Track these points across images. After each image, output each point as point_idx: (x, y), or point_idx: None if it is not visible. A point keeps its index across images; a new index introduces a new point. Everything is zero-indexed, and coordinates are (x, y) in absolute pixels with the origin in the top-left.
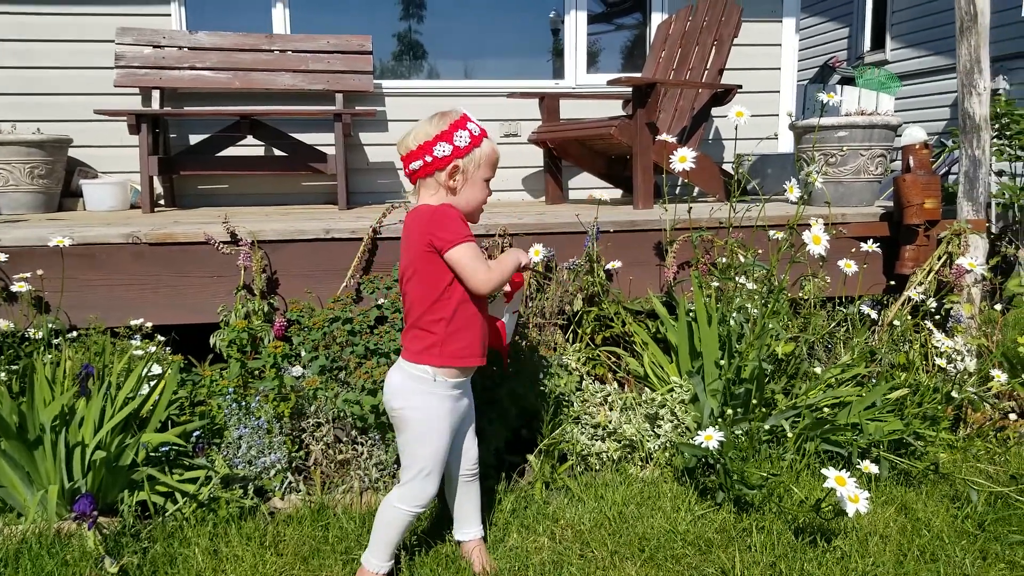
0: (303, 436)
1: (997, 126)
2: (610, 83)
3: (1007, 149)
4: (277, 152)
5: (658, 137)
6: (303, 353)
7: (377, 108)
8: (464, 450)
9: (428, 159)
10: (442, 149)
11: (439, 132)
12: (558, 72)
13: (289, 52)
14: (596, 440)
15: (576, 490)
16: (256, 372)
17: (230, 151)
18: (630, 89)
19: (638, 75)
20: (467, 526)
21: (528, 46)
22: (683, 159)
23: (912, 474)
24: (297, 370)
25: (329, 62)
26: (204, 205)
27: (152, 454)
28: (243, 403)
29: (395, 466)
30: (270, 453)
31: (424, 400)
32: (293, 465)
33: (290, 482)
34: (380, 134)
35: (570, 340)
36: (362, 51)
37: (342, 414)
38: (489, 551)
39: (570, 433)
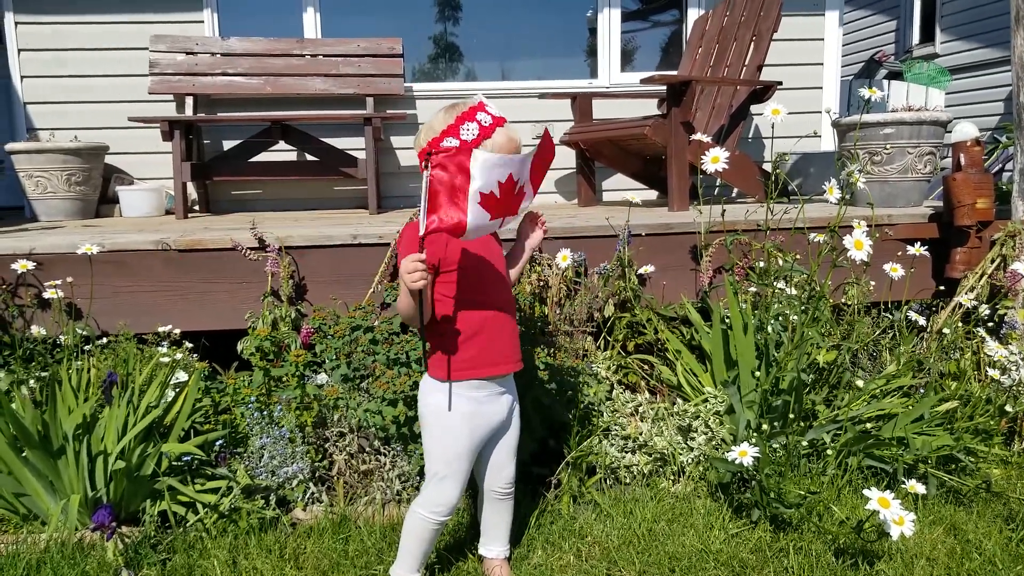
0: (326, 445)
1: None
2: (643, 81)
3: None
4: (309, 157)
5: (693, 136)
6: (326, 362)
7: (408, 111)
8: (498, 466)
9: None
10: (448, 144)
11: (446, 126)
12: (592, 72)
13: (320, 56)
14: (626, 453)
15: (604, 505)
16: (281, 380)
17: (262, 156)
18: (665, 88)
19: (673, 72)
20: (492, 543)
21: (562, 46)
22: (716, 159)
23: (962, 492)
24: (321, 378)
25: (360, 65)
26: (238, 211)
27: (175, 463)
28: (266, 412)
29: (418, 478)
30: (292, 463)
31: (436, 398)
32: (316, 475)
33: (312, 492)
34: (411, 138)
35: (601, 347)
36: (392, 54)
37: (365, 423)
38: (513, 569)
39: (599, 445)
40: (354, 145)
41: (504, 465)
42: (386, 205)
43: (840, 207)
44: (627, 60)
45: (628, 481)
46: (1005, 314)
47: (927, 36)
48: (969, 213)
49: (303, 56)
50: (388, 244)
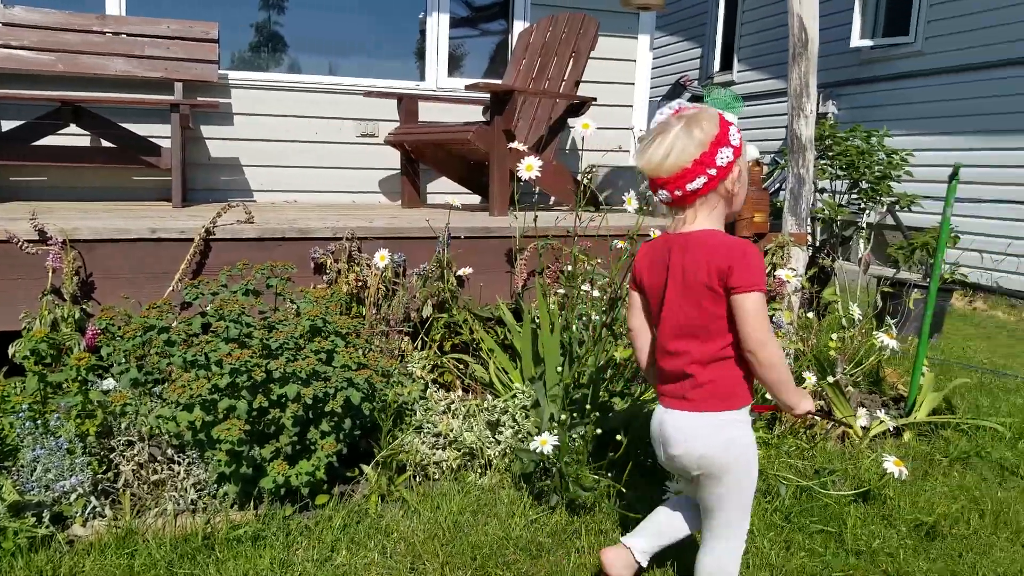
0: (112, 455)
1: (822, 147)
2: (468, 88)
3: (829, 169)
4: (105, 143)
5: (511, 144)
6: (114, 365)
7: (222, 100)
8: None
9: (712, 172)
10: (725, 156)
11: (714, 138)
12: (420, 75)
13: (123, 35)
14: (437, 449)
15: (413, 502)
16: (60, 386)
17: (49, 140)
18: (489, 95)
19: (497, 81)
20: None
21: (394, 47)
22: (529, 167)
23: None
24: (108, 383)
25: (169, 48)
26: (18, 198)
27: None
28: (40, 421)
29: (215, 486)
30: (71, 476)
31: (750, 433)
32: (99, 488)
33: (94, 507)
34: (225, 127)
35: (418, 347)
36: (206, 39)
37: (157, 431)
38: (316, 570)
39: (410, 443)
40: (160, 133)
41: None
42: (193, 198)
43: (639, 216)
44: (455, 65)
45: (438, 477)
46: (773, 315)
47: (726, 64)
48: (747, 225)
49: (104, 33)
50: (191, 239)
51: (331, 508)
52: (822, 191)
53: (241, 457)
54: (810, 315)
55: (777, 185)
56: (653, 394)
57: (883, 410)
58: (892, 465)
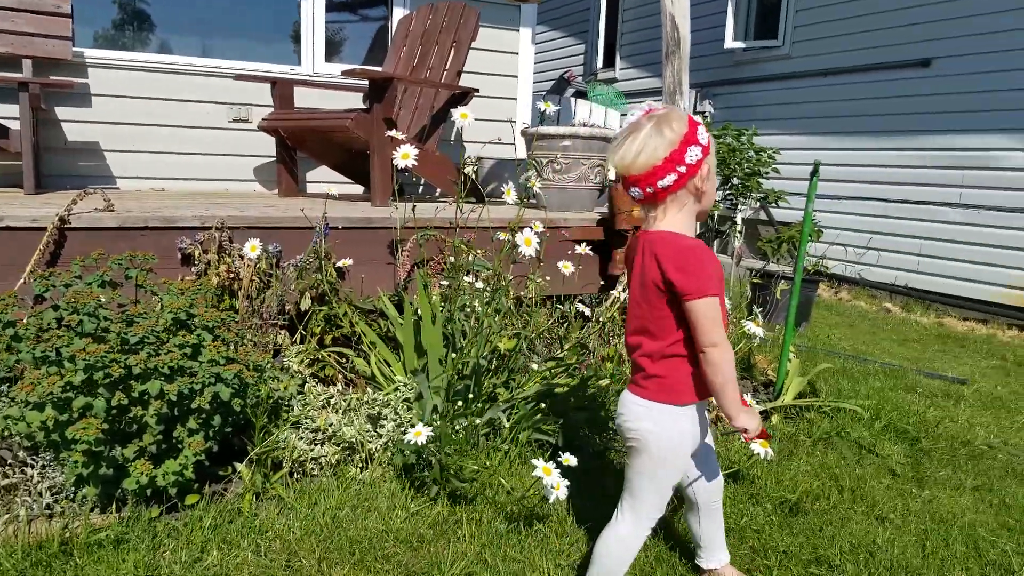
0: None
1: None
2: (345, 74)
3: None
4: None
5: (388, 133)
6: None
7: (78, 80)
8: (715, 473)
9: (682, 169)
10: (694, 154)
11: (683, 136)
12: (297, 59)
13: None
14: (315, 445)
15: (289, 498)
16: None
17: None
18: (368, 82)
19: (376, 68)
20: (721, 551)
21: (271, 30)
22: (405, 155)
23: (614, 459)
24: None
25: (15, 22)
26: None
27: None
28: None
29: (73, 489)
30: None
31: (679, 426)
32: None
33: None
34: (83, 109)
35: (297, 341)
36: (59, 13)
37: (7, 432)
38: (184, 572)
39: (287, 439)
40: (8, 113)
41: (718, 471)
42: (49, 184)
43: (520, 208)
44: (335, 51)
45: (316, 473)
46: None
47: (609, 62)
48: (627, 219)
49: None
50: (44, 228)
51: (201, 508)
52: None
53: (100, 457)
54: None
55: None
56: (537, 384)
57: (752, 394)
58: (759, 447)
